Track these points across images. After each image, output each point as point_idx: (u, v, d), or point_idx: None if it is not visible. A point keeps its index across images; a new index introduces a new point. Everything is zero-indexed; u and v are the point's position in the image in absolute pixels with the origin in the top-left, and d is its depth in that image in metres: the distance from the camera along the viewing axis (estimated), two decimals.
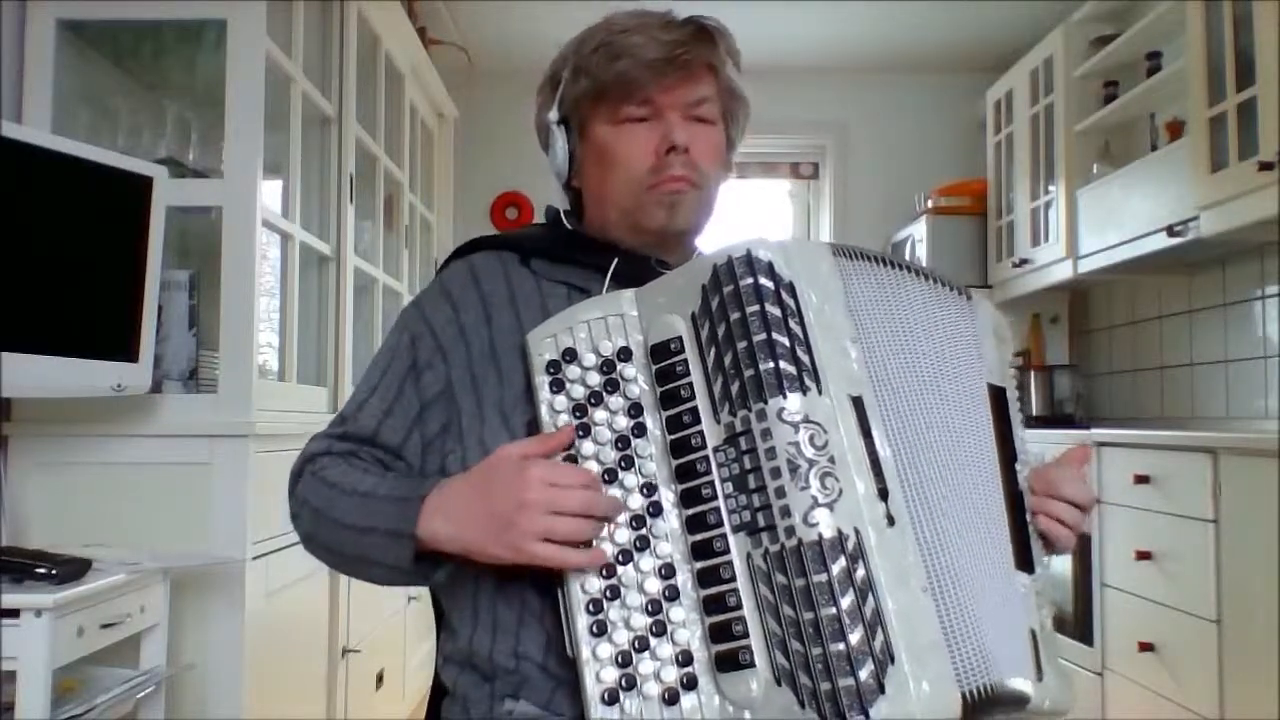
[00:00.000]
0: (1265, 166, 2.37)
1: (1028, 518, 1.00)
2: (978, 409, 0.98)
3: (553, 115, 1.11)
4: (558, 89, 1.11)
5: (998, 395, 1.01)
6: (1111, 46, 3.35)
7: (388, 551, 0.96)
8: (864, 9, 3.98)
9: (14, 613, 1.46)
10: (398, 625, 3.12)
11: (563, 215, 1.16)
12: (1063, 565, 2.94)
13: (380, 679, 2.88)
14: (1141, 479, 2.54)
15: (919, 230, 4.23)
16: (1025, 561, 0.96)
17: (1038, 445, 3.02)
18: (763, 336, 0.86)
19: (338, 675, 2.49)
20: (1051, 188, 3.65)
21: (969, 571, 0.88)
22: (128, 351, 1.85)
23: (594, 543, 0.90)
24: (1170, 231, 2.83)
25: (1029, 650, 0.91)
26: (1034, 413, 3.81)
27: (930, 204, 4.23)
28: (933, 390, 0.95)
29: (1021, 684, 0.88)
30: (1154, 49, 3.20)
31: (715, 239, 1.15)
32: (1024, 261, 3.79)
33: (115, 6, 2.14)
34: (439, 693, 1.08)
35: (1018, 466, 1.00)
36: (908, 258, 4.30)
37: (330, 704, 2.46)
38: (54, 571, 1.53)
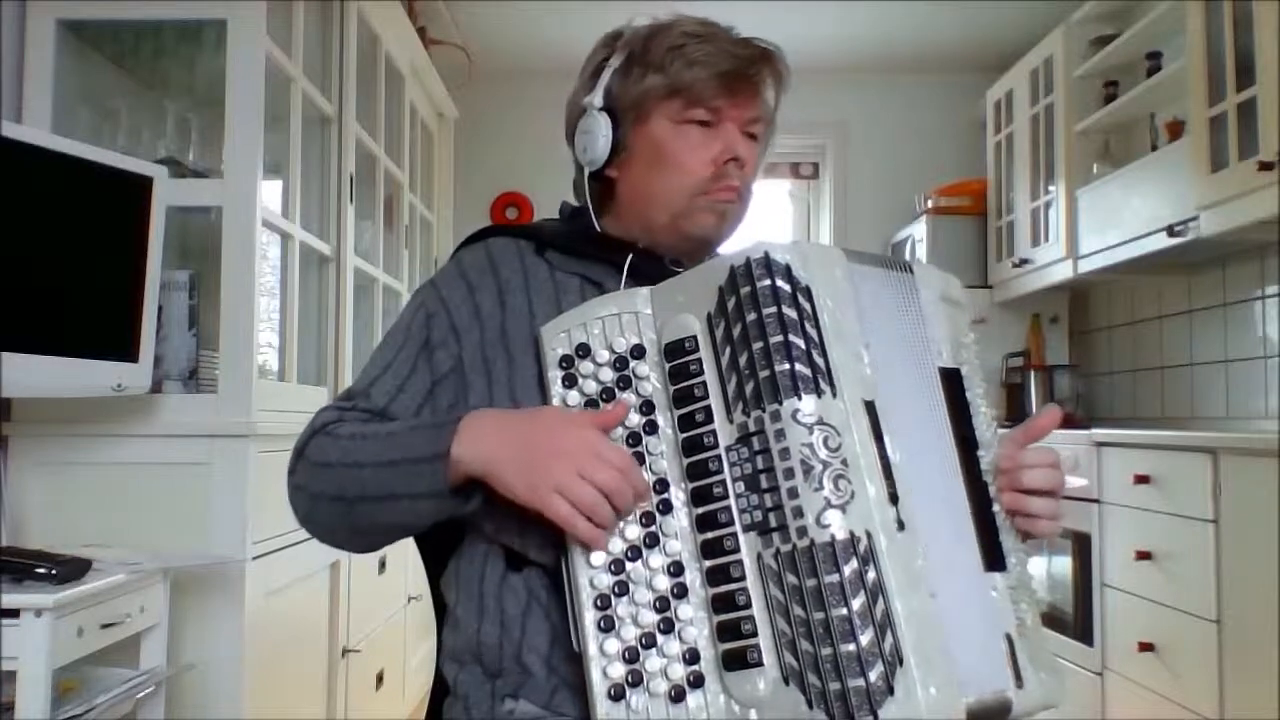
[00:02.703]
0: (1265, 166, 2.37)
1: (994, 509, 0.96)
2: (934, 401, 0.96)
3: (595, 101, 1.11)
4: (599, 77, 1.11)
5: (950, 379, 0.98)
6: (1111, 46, 3.35)
7: (420, 479, 0.94)
8: (864, 9, 3.99)
9: (14, 613, 1.46)
10: (398, 625, 3.12)
11: (589, 213, 1.15)
12: (1063, 565, 2.94)
13: (380, 679, 2.88)
14: (1141, 479, 2.53)
15: (919, 230, 4.24)
16: (995, 560, 0.94)
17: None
18: (779, 338, 0.86)
19: (338, 675, 2.49)
20: (1051, 188, 3.65)
21: (943, 581, 0.87)
22: (128, 351, 1.84)
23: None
24: (1170, 231, 2.83)
25: (1005, 659, 0.90)
26: (1034, 413, 3.80)
27: (930, 204, 4.23)
28: (910, 389, 0.94)
29: (999, 696, 0.87)
30: (1154, 49, 3.20)
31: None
32: (1024, 261, 3.80)
33: (115, 6, 2.14)
34: (440, 691, 1.08)
35: (980, 453, 0.97)
36: (908, 258, 4.30)
37: (330, 704, 2.46)
38: (54, 571, 1.53)
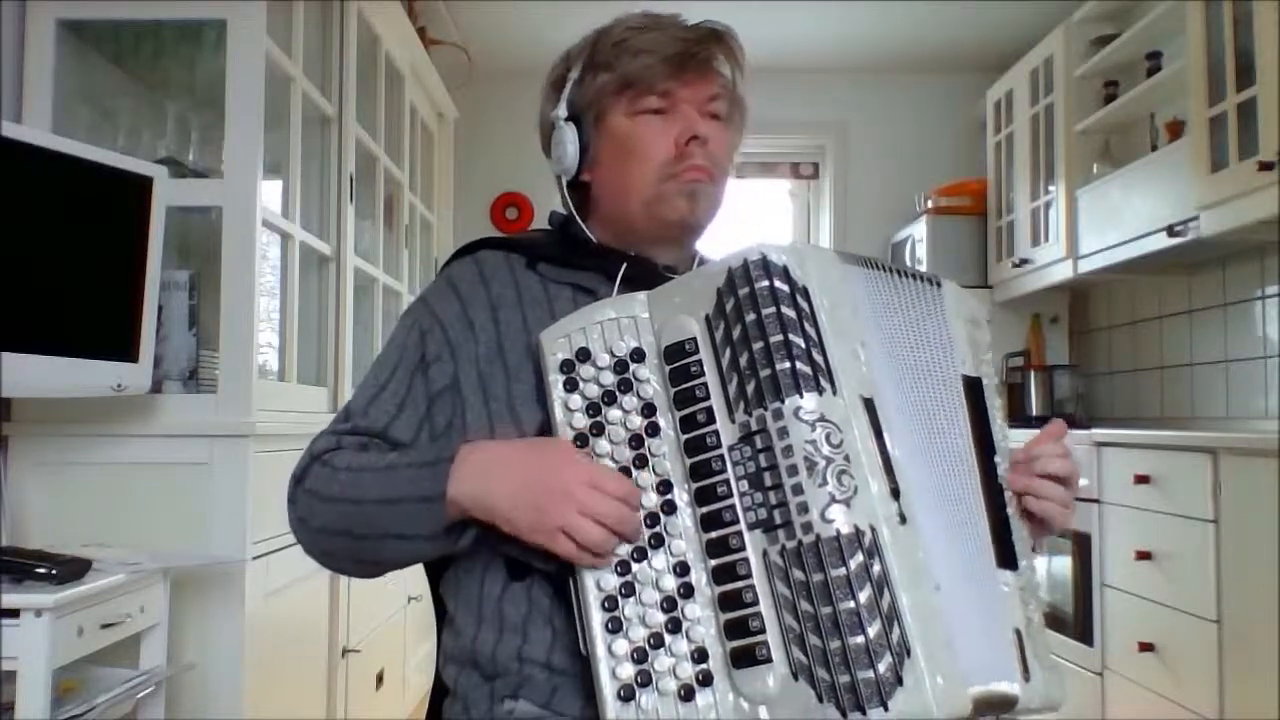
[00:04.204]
0: (1265, 166, 2.37)
1: (1009, 512, 0.99)
2: (954, 405, 0.99)
3: (560, 112, 1.12)
4: (561, 90, 1.13)
5: (973, 387, 1.01)
6: (1111, 46, 3.35)
7: (418, 520, 0.94)
8: (864, 9, 3.99)
9: (14, 613, 1.46)
10: (398, 625, 3.12)
11: (574, 219, 1.15)
12: (1063, 565, 2.94)
13: (380, 679, 2.88)
14: (1141, 479, 2.54)
15: (919, 230, 4.24)
16: (1008, 559, 0.96)
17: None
18: (779, 337, 0.87)
19: (338, 675, 2.49)
20: (1051, 188, 3.65)
21: (953, 573, 0.88)
22: (128, 351, 1.84)
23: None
24: (1170, 231, 2.83)
25: (1014, 652, 0.91)
26: (1034, 413, 3.81)
27: (930, 204, 4.23)
28: (918, 390, 0.96)
29: (1008, 687, 0.89)
30: (1154, 49, 3.20)
31: (715, 239, 1.16)
32: (1024, 261, 3.80)
33: (115, 6, 2.14)
34: (440, 692, 1.08)
35: (996, 460, 1.00)
36: (908, 258, 4.30)
37: (330, 704, 2.46)
38: (54, 571, 1.53)
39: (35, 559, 1.56)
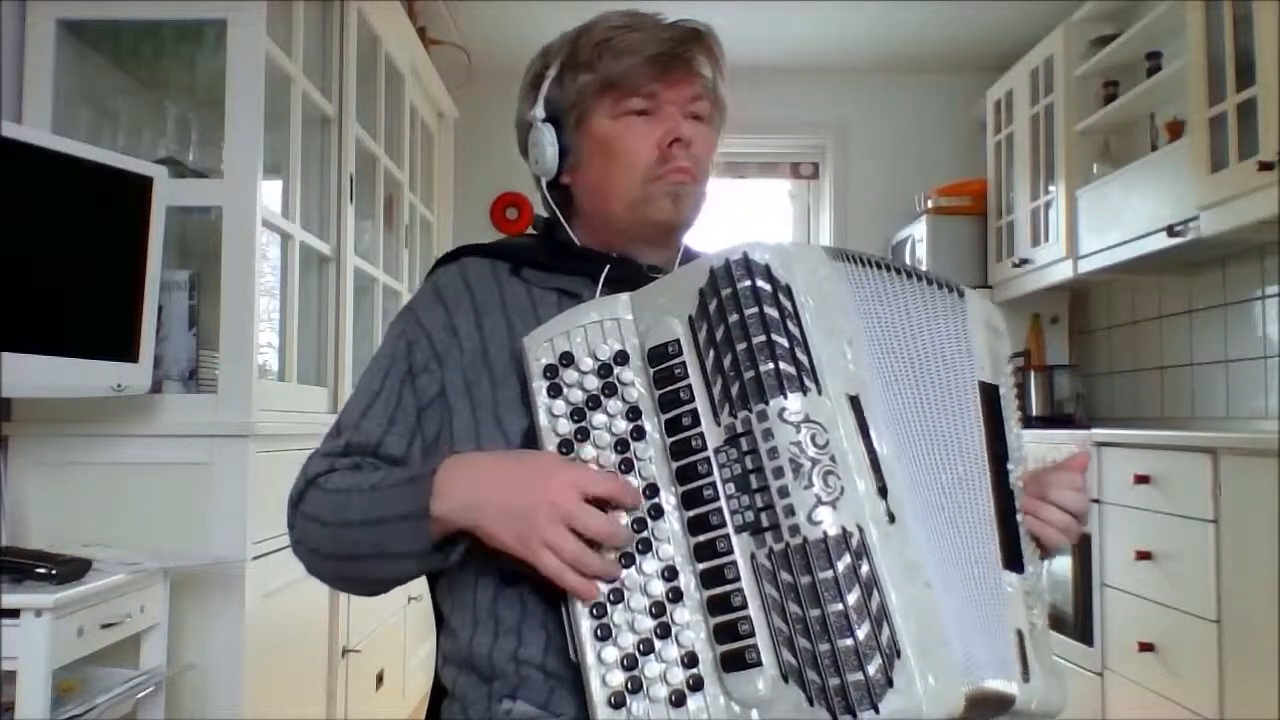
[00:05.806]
0: (1265, 166, 2.37)
1: (1018, 517, 0.99)
2: (966, 408, 0.98)
3: (538, 113, 1.12)
4: (538, 89, 1.12)
5: (989, 393, 1.01)
6: (1111, 46, 3.35)
7: (404, 538, 0.94)
8: (864, 9, 3.98)
9: (14, 613, 1.46)
10: (398, 625, 3.12)
11: (560, 222, 1.15)
12: (1063, 565, 2.94)
13: (380, 679, 2.88)
14: (1141, 479, 2.54)
15: (919, 230, 4.24)
16: (1014, 561, 0.95)
17: (1037, 445, 3.03)
18: (762, 338, 0.86)
19: (338, 675, 2.49)
20: (1051, 188, 3.65)
21: (947, 571, 0.88)
22: (128, 351, 1.85)
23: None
24: (1170, 231, 2.83)
25: (1015, 651, 0.90)
26: (1034, 413, 3.80)
27: (930, 204, 4.23)
28: (922, 390, 0.95)
29: (1005, 685, 0.88)
30: (1154, 49, 3.20)
31: (711, 239, 1.16)
32: (1024, 261, 3.80)
33: (115, 6, 2.14)
34: (439, 693, 1.08)
35: (1009, 465, 0.99)
36: (908, 258, 4.30)
37: (330, 704, 2.46)
38: (54, 571, 1.53)
39: (35, 559, 1.56)
